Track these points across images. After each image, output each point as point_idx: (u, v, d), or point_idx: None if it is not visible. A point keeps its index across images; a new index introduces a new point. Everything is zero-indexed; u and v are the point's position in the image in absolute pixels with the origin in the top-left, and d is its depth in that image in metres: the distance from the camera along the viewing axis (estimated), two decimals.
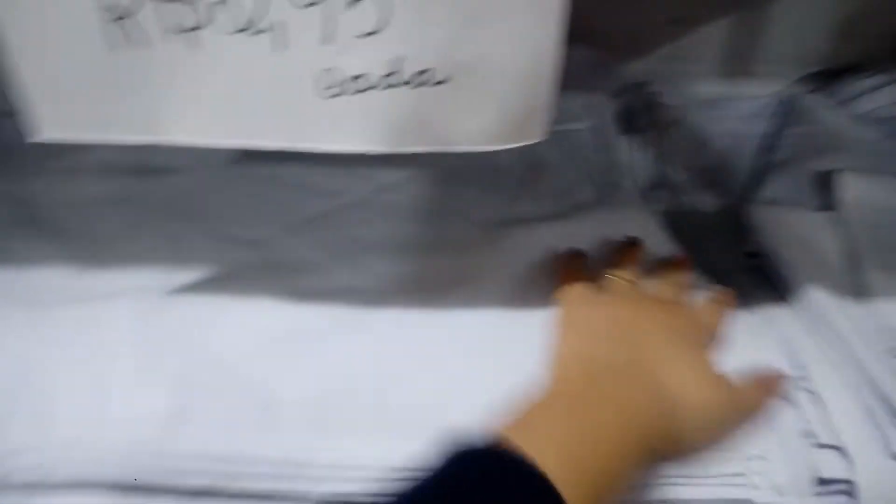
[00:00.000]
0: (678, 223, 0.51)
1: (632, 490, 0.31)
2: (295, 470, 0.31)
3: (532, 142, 0.31)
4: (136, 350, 0.35)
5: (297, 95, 0.29)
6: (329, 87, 0.29)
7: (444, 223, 0.48)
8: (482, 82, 0.29)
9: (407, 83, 0.28)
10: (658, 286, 0.40)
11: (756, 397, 0.35)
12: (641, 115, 0.62)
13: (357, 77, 0.28)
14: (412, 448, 0.27)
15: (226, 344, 0.36)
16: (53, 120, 0.29)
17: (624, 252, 0.42)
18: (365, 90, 0.29)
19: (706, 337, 0.37)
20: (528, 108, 0.30)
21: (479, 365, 0.36)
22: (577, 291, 0.39)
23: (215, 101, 0.29)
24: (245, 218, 0.46)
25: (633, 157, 0.58)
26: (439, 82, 0.29)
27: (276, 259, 0.43)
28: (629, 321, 0.36)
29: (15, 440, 0.31)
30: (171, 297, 0.39)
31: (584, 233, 0.45)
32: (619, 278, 0.40)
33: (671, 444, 0.32)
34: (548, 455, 0.27)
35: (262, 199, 0.48)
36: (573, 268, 0.41)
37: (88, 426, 0.32)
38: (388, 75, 0.28)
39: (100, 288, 0.39)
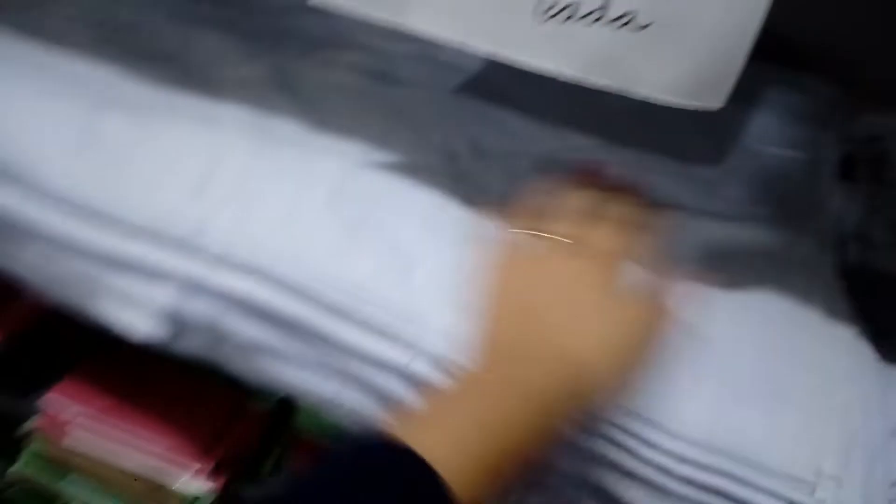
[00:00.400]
0: (863, 280, 0.50)
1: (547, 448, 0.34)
2: None
3: (712, 107, 0.33)
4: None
5: (519, 10, 0.33)
6: (546, 11, 0.33)
7: None
8: (681, 35, 0.32)
9: (612, 21, 0.32)
10: (601, 226, 0.38)
11: (657, 312, 0.36)
12: (865, 166, 0.60)
13: (569, 6, 0.33)
14: None
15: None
16: None
17: (584, 178, 0.42)
18: (573, 19, 0.33)
19: (615, 275, 0.37)
20: (718, 71, 0.32)
21: None
22: (508, 260, 0.39)
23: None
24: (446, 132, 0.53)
25: (839, 202, 0.57)
26: (641, 27, 0.32)
27: (461, 174, 0.49)
28: (542, 295, 0.36)
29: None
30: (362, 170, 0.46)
31: (741, 240, 0.46)
32: (553, 236, 0.38)
33: (586, 400, 0.35)
34: (438, 444, 0.30)
35: (466, 128, 0.54)
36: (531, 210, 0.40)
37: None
38: (595, 10, 0.32)
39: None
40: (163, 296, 0.42)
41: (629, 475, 0.38)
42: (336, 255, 0.41)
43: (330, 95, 0.54)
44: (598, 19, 0.32)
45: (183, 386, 0.66)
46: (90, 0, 0.58)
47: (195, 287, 0.41)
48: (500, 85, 0.60)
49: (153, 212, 0.42)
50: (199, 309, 0.42)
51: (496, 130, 0.54)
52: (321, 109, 0.52)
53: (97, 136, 0.44)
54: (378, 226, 0.43)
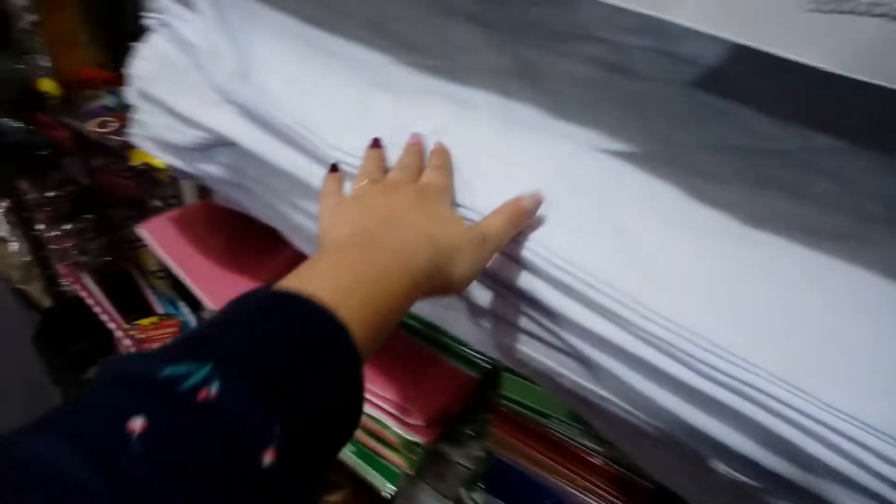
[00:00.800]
0: None
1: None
2: None
3: None
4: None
5: (783, 2, 0.34)
6: (812, 1, 0.33)
7: (842, 207, 0.49)
8: None
9: (886, 14, 0.32)
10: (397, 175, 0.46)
11: (500, 225, 0.43)
12: None
13: None
14: None
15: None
16: None
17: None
18: (846, 12, 0.33)
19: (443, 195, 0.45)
20: None
21: None
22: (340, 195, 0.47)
23: None
24: (681, 124, 0.53)
25: None
26: None
27: (685, 163, 0.50)
28: (384, 201, 0.43)
29: None
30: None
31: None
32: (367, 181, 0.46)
33: (440, 280, 0.39)
34: (327, 290, 0.31)
35: (704, 123, 0.54)
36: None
37: None
38: (874, 4, 0.32)
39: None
40: None
41: None
42: (568, 234, 0.44)
43: (566, 85, 0.57)
44: (871, 12, 0.32)
45: (409, 349, 0.73)
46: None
47: None
48: (739, 80, 0.59)
49: None
50: None
51: (735, 127, 0.54)
52: (558, 98, 0.55)
53: (370, 111, 0.51)
54: (605, 209, 0.45)
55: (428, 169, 0.48)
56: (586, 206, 0.46)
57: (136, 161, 1.07)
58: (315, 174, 0.50)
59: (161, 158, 0.59)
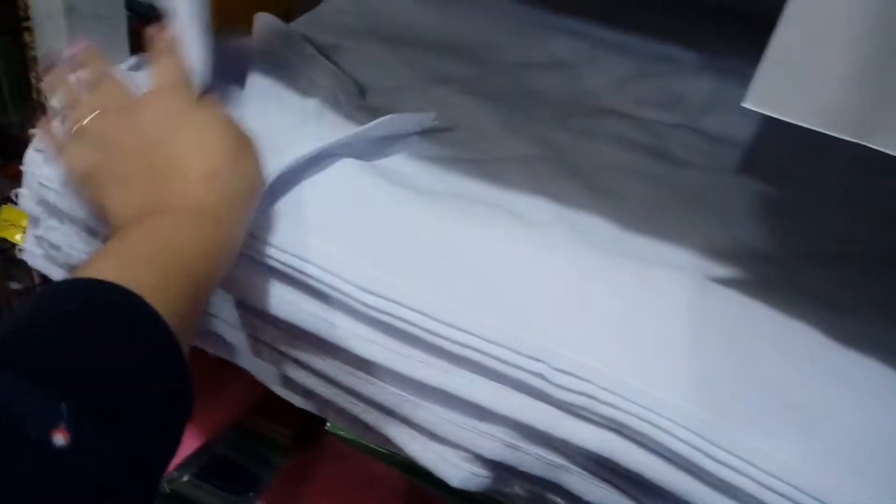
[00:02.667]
0: None
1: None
2: None
3: None
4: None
5: None
6: None
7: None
8: None
9: None
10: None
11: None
12: None
13: None
14: None
15: None
16: (769, 96, 0.29)
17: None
18: None
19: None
20: None
21: None
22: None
23: None
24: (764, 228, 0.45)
25: None
26: None
27: (796, 284, 0.41)
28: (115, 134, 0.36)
29: None
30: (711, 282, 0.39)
31: None
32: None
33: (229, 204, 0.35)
34: (125, 272, 0.28)
35: (777, 221, 0.47)
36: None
37: None
38: None
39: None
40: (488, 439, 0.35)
41: None
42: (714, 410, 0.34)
43: (613, 178, 0.47)
44: None
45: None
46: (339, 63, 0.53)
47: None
48: (783, 164, 0.53)
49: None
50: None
51: (815, 227, 0.47)
52: (614, 197, 0.45)
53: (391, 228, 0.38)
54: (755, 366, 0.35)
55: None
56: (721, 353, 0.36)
57: None
58: (324, 321, 0.36)
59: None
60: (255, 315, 0.39)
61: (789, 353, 0.36)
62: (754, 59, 0.28)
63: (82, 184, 0.36)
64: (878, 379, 0.36)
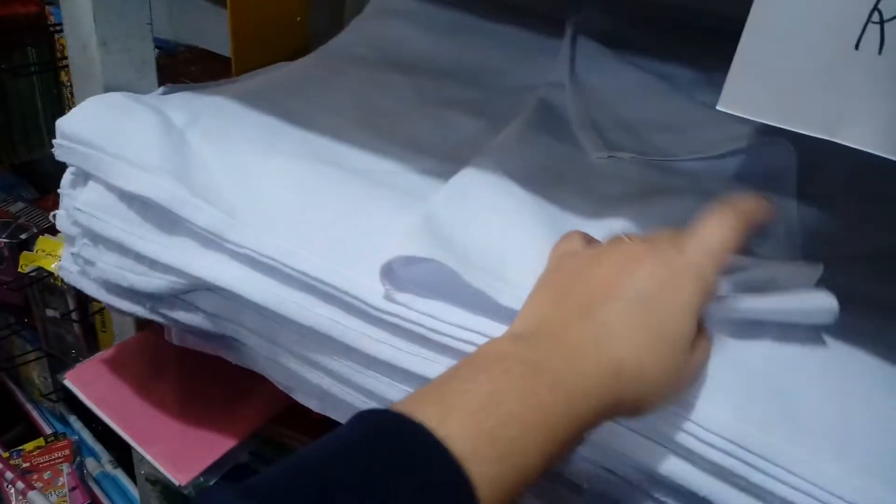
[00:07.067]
0: None
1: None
2: None
3: None
4: None
5: None
6: None
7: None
8: None
9: None
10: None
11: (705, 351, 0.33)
12: None
13: None
14: None
15: None
16: (741, 98, 0.31)
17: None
18: None
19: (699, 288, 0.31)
20: None
21: None
22: (568, 243, 0.36)
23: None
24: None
25: None
26: None
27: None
28: (598, 282, 0.31)
29: None
30: None
31: None
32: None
33: (622, 411, 0.30)
34: (450, 423, 0.25)
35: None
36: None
37: None
38: None
39: None
40: None
41: None
42: None
43: (613, 187, 0.49)
44: None
45: None
46: (350, 88, 0.56)
47: None
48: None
49: None
50: None
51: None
52: (612, 208, 0.47)
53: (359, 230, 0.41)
54: None
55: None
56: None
57: (24, 266, 0.89)
58: (337, 323, 0.39)
59: (111, 304, 0.45)
60: (272, 319, 0.41)
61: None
62: None
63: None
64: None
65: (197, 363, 0.55)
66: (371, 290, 0.37)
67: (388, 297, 0.37)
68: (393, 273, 0.37)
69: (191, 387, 0.57)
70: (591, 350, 0.30)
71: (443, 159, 0.51)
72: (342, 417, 0.44)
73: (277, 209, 0.41)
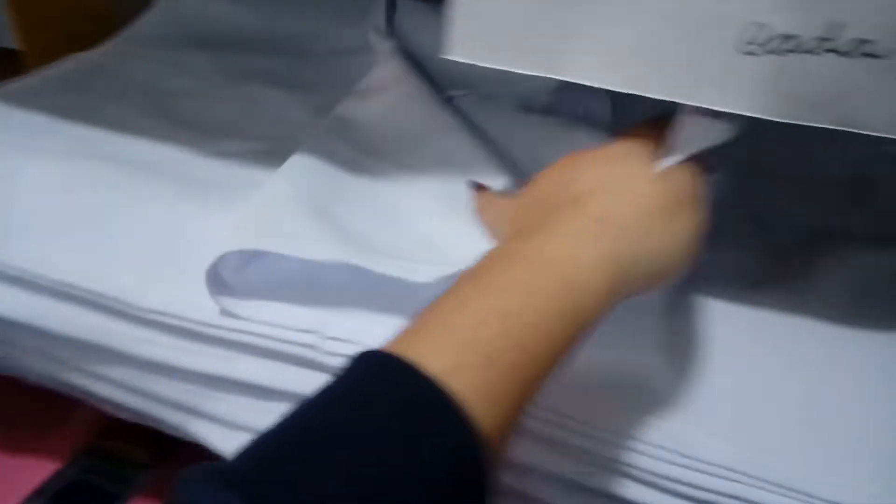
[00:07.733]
0: None
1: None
2: None
3: None
4: None
5: (713, 47, 0.27)
6: (749, 43, 0.27)
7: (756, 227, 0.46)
8: None
9: (842, 53, 0.26)
10: None
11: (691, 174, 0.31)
12: None
13: (787, 37, 0.26)
14: None
15: None
16: (466, 44, 0.30)
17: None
18: (789, 52, 0.27)
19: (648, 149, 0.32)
20: None
21: None
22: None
23: (623, 44, 0.29)
24: None
25: None
26: (874, 56, 0.26)
27: None
28: (571, 169, 0.32)
29: None
30: None
31: None
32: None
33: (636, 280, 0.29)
34: (419, 344, 0.24)
35: None
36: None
37: None
38: (822, 40, 0.26)
39: None
40: None
41: None
42: None
43: None
44: (826, 50, 0.26)
45: None
46: (144, 73, 0.53)
47: None
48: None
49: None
50: None
51: None
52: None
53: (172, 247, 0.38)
54: None
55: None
56: None
57: None
58: (118, 333, 0.36)
59: None
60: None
61: None
62: None
63: None
64: None
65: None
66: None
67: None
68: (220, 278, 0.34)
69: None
70: (569, 211, 0.29)
71: (244, 138, 0.48)
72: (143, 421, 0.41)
73: (32, 217, 0.38)
